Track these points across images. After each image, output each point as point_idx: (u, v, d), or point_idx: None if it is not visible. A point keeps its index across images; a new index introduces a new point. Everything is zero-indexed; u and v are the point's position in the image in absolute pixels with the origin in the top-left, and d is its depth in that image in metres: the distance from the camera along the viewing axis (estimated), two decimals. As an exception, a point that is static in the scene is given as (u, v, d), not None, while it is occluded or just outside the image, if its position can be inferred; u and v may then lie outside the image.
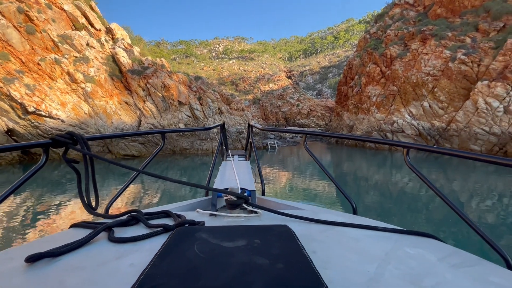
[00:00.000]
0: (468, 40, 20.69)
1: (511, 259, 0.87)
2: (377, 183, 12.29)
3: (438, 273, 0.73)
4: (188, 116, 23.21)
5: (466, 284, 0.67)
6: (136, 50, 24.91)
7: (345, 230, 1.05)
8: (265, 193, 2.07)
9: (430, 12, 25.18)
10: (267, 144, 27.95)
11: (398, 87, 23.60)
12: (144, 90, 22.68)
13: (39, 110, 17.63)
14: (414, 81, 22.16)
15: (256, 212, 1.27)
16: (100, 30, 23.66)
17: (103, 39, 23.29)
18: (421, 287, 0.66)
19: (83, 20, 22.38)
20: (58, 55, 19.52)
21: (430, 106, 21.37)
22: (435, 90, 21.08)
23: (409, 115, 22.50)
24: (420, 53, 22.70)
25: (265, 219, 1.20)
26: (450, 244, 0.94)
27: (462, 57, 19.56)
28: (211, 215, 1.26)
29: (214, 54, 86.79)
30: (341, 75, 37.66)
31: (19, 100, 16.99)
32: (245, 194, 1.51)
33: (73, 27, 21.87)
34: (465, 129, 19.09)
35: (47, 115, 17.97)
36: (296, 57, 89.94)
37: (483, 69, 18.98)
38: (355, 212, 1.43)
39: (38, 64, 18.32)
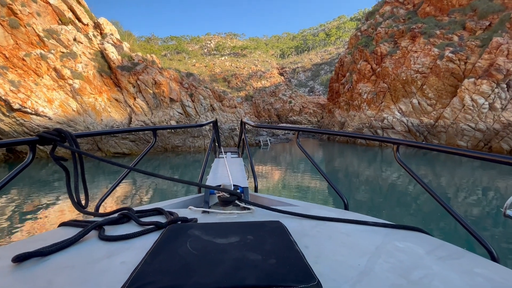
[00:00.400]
0: (455, 38, 21.14)
1: (495, 251, 0.90)
2: (368, 179, 12.50)
3: (426, 265, 0.75)
4: (179, 113, 22.96)
5: (452, 276, 0.70)
6: (126, 45, 24.38)
7: (336, 225, 1.07)
8: (258, 190, 2.08)
9: (419, 10, 25.57)
10: (259, 141, 27.98)
11: (388, 84, 23.95)
12: (134, 87, 22.28)
13: (25, 107, 17.09)
14: (404, 78, 22.53)
15: (249, 209, 1.27)
16: (87, 25, 23.02)
17: (91, 34, 22.67)
18: (410, 280, 0.68)
19: (69, 14, 21.71)
20: (44, 51, 18.91)
21: (419, 103, 21.81)
22: (423, 87, 21.51)
23: (398, 112, 22.90)
24: (410, 50, 23.07)
25: (258, 215, 1.20)
26: (438, 237, 0.97)
27: (450, 55, 19.99)
28: (204, 212, 1.26)
29: (205, 50, 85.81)
30: (333, 72, 37.93)
31: (3, 97, 16.41)
32: (238, 190, 1.51)
33: (59, 22, 21.19)
34: (452, 126, 19.59)
35: (33, 112, 17.44)
36: (288, 54, 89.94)
37: (469, 66, 19.46)
38: (346, 207, 1.45)
39: (23, 59, 17.71)
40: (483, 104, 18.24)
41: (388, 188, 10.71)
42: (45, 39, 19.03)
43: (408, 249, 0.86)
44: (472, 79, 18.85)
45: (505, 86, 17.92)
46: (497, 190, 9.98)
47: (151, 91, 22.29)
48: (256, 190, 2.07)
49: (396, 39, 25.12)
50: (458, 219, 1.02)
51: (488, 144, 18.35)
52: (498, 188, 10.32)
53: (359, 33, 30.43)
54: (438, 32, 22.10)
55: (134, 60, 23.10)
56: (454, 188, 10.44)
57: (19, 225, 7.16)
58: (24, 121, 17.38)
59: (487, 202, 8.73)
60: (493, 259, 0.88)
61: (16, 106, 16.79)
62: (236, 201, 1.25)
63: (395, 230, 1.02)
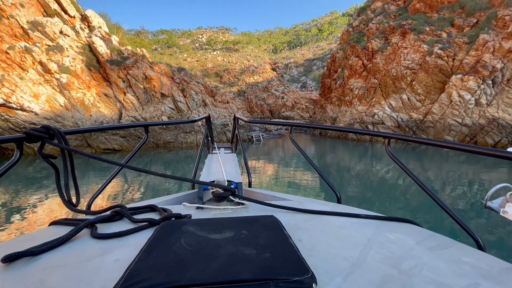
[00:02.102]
0: (444, 35, 21.50)
1: (481, 240, 0.93)
2: (359, 172, 12.70)
3: (416, 255, 0.77)
4: (171, 108, 22.66)
5: (441, 265, 0.72)
6: (115, 39, 23.76)
7: (329, 218, 1.09)
8: (252, 185, 2.09)
9: (409, 6, 25.83)
10: (252, 137, 27.98)
11: (379, 80, 24.23)
12: (124, 82, 21.80)
13: (10, 102, 16.52)
14: (394, 74, 22.83)
15: (243, 204, 1.28)
16: (74, 17, 22.28)
17: (78, 26, 21.97)
18: (401, 270, 0.70)
19: (55, 6, 20.95)
20: (29, 43, 18.24)
21: (408, 98, 22.18)
22: (413, 83, 21.86)
23: (389, 108, 23.25)
24: (400, 47, 23.34)
25: (252, 210, 1.21)
26: (427, 228, 1.00)
27: (439, 51, 20.34)
28: (198, 208, 1.26)
29: (197, 44, 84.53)
30: (325, 68, 38.07)
31: (-15, 92, 15.82)
32: (232, 186, 1.51)
33: (45, 13, 20.44)
34: (440, 121, 20.04)
35: (18, 107, 16.88)
36: (281, 49, 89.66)
37: (457, 63, 19.87)
38: (339, 201, 1.47)
39: (6, 52, 17.05)
40: (470, 100, 18.70)
41: (379, 181, 10.92)
42: (29, 31, 18.35)
43: (398, 240, 0.88)
44: (460, 75, 19.27)
45: (490, 82, 18.41)
46: (481, 183, 10.33)
47: (142, 86, 21.88)
48: (250, 185, 2.08)
49: (387, 35, 25.36)
50: (447, 210, 1.05)
51: (474, 139, 18.89)
52: (483, 180, 10.68)
53: (350, 29, 30.55)
54: (427, 28, 22.42)
55: (123, 54, 22.56)
56: (441, 180, 10.73)
57: (7, 225, 6.98)
58: (9, 116, 16.81)
59: (473, 194, 9.03)
60: (480, 248, 0.91)
61: (0, 101, 16.21)
62: (230, 197, 1.25)
63: (386, 222, 1.05)
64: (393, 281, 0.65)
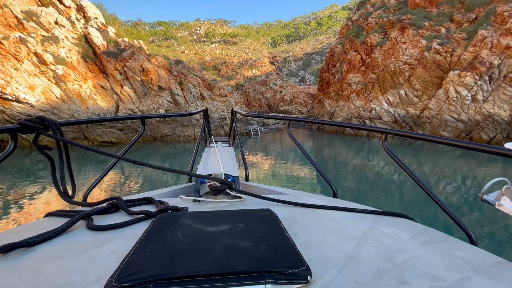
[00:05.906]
0: (443, 30, 21.41)
1: (473, 235, 0.95)
2: (356, 167, 12.78)
3: (409, 249, 0.79)
4: (168, 101, 22.49)
5: (434, 259, 0.73)
6: (111, 30, 23.36)
7: (325, 212, 1.10)
8: (249, 179, 2.09)
9: (409, 1, 25.60)
10: (250, 131, 27.94)
11: (377, 75, 24.18)
12: (121, 74, 21.53)
13: (5, 94, 16.28)
14: (392, 69, 22.78)
15: (239, 197, 1.29)
16: (69, 7, 21.81)
17: (73, 17, 21.53)
18: (394, 263, 0.71)
19: (49, -5, 20.47)
20: (24, 34, 17.87)
21: (406, 94, 22.21)
22: (411, 78, 21.86)
23: (386, 103, 23.28)
24: (399, 41, 23.24)
25: (249, 203, 1.22)
26: (421, 223, 1.01)
27: (437, 46, 20.29)
28: (195, 201, 1.26)
29: (195, 37, 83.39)
30: (324, 62, 37.86)
31: (-21, 83, 15.55)
32: (229, 179, 1.52)
33: (39, 3, 19.98)
34: (437, 116, 20.14)
35: (13, 99, 16.64)
36: (280, 43, 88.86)
37: (455, 59, 19.86)
38: (335, 195, 1.49)
39: (1, 43, 16.71)
40: (466, 96, 18.77)
41: (375, 176, 11.01)
42: (24, 21, 17.96)
43: (393, 234, 0.89)
44: (457, 71, 19.29)
45: (487, 78, 18.46)
46: (475, 178, 10.46)
47: (139, 79, 21.63)
48: (247, 179, 2.08)
49: (386, 30, 25.20)
50: (441, 205, 1.06)
51: (469, 134, 19.04)
52: (477, 176, 10.81)
53: (350, 23, 30.28)
54: (426, 23, 22.30)
55: (120, 45, 22.21)
56: (436, 176, 10.84)
57: (3, 216, 6.96)
58: (5, 108, 16.59)
59: (466, 189, 9.15)
60: (472, 242, 0.93)
61: (-6, 93, 15.97)
62: (227, 190, 1.26)
63: (381, 217, 1.06)
64: (387, 274, 0.66)
